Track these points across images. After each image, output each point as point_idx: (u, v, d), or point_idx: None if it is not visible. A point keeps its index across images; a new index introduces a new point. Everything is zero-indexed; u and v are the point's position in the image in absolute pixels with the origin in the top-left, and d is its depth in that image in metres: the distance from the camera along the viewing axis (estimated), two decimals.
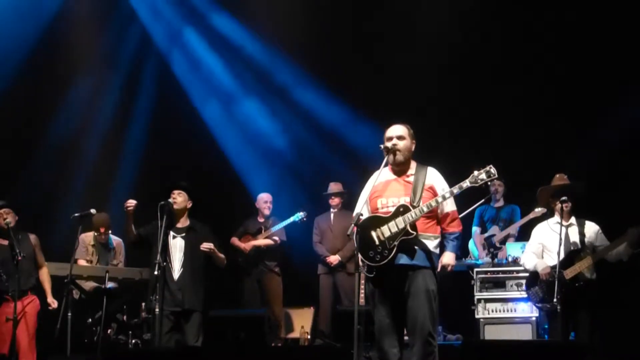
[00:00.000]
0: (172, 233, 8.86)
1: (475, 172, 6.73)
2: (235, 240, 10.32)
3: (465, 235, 9.41)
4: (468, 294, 8.90)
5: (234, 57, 12.69)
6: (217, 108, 12.63)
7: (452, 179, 6.90)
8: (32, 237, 8.85)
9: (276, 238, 10.29)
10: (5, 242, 8.57)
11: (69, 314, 8.60)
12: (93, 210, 9.05)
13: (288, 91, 12.35)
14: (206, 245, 8.67)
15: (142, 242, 8.79)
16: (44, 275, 8.88)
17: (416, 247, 6.67)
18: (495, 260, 9.36)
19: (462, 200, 7.39)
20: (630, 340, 8.47)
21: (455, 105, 10.84)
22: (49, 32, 11.87)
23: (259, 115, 12.49)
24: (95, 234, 9.77)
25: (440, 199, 6.69)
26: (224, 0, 12.58)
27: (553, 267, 7.92)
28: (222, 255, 8.86)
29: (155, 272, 8.37)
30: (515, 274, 8.84)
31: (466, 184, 6.72)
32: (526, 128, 10.58)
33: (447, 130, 10.37)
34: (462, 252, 8.84)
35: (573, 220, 8.13)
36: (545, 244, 8.14)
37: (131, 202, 8.60)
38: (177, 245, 8.78)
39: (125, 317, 9.37)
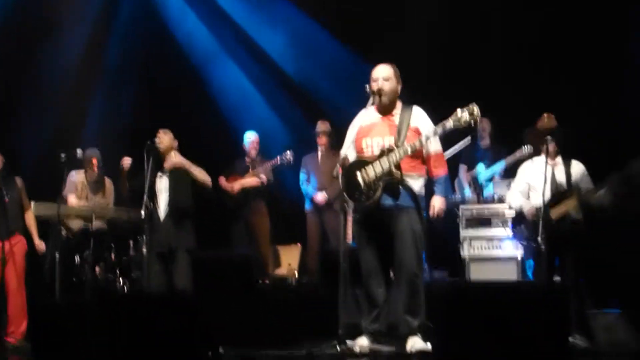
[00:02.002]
0: (159, 174, 8.79)
1: (459, 111, 6.66)
2: (222, 181, 10.28)
3: (454, 173, 9.45)
4: (454, 231, 8.89)
5: None
6: (202, 46, 12.45)
7: (438, 118, 6.84)
8: (18, 180, 8.81)
9: (263, 177, 10.24)
10: None
11: (57, 254, 8.59)
12: (79, 151, 8.97)
13: (275, 28, 12.23)
14: (175, 160, 8.70)
15: (135, 196, 8.76)
16: (30, 218, 8.87)
17: (401, 188, 6.68)
18: (482, 196, 9.43)
19: (449, 139, 7.35)
20: (615, 282, 8.42)
21: (445, 42, 10.63)
22: None
23: (245, 55, 12.33)
24: (87, 171, 9.65)
25: (424, 140, 6.66)
26: None
27: (539, 207, 7.90)
28: (198, 169, 8.85)
29: (142, 213, 8.36)
30: (501, 212, 8.81)
31: (449, 123, 6.67)
32: (515, 65, 10.47)
33: (435, 68, 10.16)
34: (450, 189, 9.01)
35: (559, 159, 8.09)
36: (531, 183, 8.12)
37: (127, 160, 8.56)
38: (163, 185, 8.72)
39: (113, 256, 9.31)
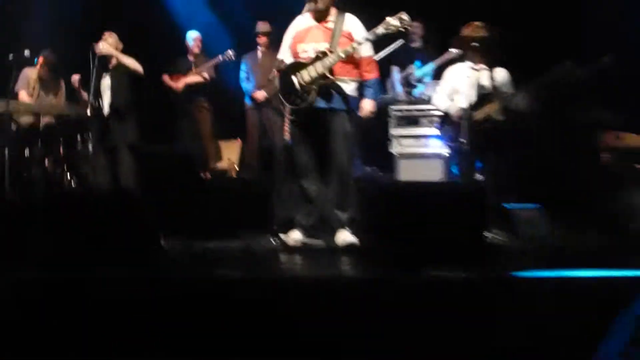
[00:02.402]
0: (103, 74, 8.90)
1: (388, 18, 6.78)
2: (166, 79, 10.28)
3: (386, 74, 9.55)
4: (384, 129, 8.95)
5: None
6: None
7: (374, 19, 6.90)
8: None
9: (206, 75, 10.25)
10: None
11: (6, 149, 8.65)
12: (26, 51, 9.01)
13: None
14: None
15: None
16: None
17: (333, 91, 6.81)
18: (412, 97, 9.48)
19: (381, 41, 7.46)
20: (535, 179, 8.67)
21: None
22: None
23: None
24: (40, 70, 9.58)
25: (355, 45, 6.76)
26: None
27: (463, 109, 8.04)
28: (129, 59, 8.91)
29: (88, 111, 8.48)
30: (428, 112, 8.88)
31: (380, 30, 6.77)
32: None
33: None
34: (381, 90, 8.93)
35: (484, 65, 8.16)
36: (457, 86, 8.21)
37: (75, 77, 8.69)
38: (106, 84, 8.84)
39: (62, 152, 9.37)
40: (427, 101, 9.03)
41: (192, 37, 10.51)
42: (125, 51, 9.16)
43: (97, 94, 8.65)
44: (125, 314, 4.22)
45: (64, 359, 4.12)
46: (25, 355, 4.14)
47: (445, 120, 8.29)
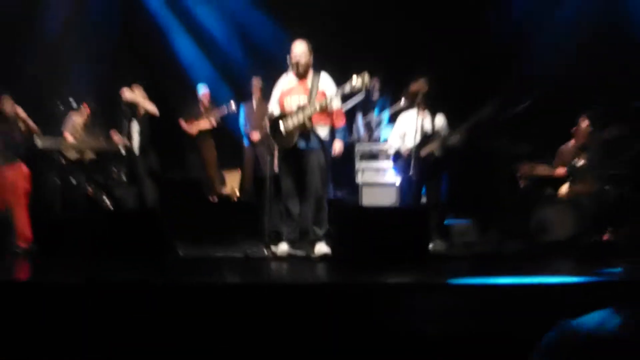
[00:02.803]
0: (133, 119, 8.90)
1: (354, 78, 6.84)
2: (182, 123, 10.24)
3: (351, 120, 9.53)
4: (351, 163, 8.90)
5: None
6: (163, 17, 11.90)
7: (342, 77, 7.01)
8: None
9: (214, 122, 10.24)
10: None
11: (58, 180, 8.64)
12: (74, 104, 9.00)
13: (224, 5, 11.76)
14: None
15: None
16: None
17: (311, 135, 6.86)
18: (372, 139, 9.42)
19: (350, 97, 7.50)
20: (466, 201, 8.71)
21: (345, 16, 10.47)
22: None
23: (196, 25, 11.94)
24: (83, 115, 9.51)
25: (328, 100, 6.85)
26: None
27: (411, 147, 8.02)
28: (149, 104, 8.89)
29: (121, 150, 8.49)
30: (385, 150, 8.77)
31: (347, 88, 6.87)
32: (400, 40, 10.22)
33: (339, 37, 10.00)
34: (348, 134, 8.92)
35: (427, 112, 8.17)
36: (406, 129, 8.18)
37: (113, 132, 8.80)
38: (135, 129, 8.82)
39: (100, 180, 9.33)
40: (384, 141, 9.00)
41: (202, 92, 10.48)
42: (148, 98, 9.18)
43: (128, 136, 8.62)
44: (149, 305, 4.18)
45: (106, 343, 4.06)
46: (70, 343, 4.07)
47: (398, 156, 8.26)
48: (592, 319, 1.03)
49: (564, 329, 1.03)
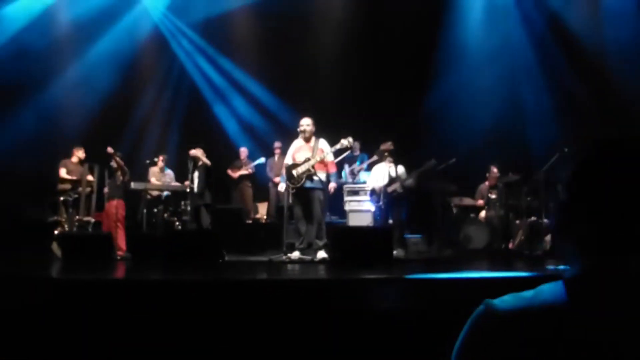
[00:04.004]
0: (195, 169, 8.92)
1: (342, 140, 6.96)
2: (229, 171, 10.29)
3: (340, 168, 9.52)
4: (342, 197, 8.81)
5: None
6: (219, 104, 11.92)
7: (334, 139, 7.06)
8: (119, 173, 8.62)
9: (250, 170, 10.29)
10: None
11: (145, 209, 8.66)
12: (155, 159, 9.10)
13: (253, 93, 11.72)
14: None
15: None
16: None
17: (314, 178, 6.84)
18: (355, 181, 9.37)
19: (338, 151, 7.49)
20: (417, 222, 8.66)
21: (338, 101, 10.37)
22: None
23: (239, 106, 11.91)
24: (158, 166, 9.57)
25: (325, 155, 6.89)
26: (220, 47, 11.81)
27: (381, 186, 8.07)
28: (206, 160, 8.82)
29: (188, 190, 8.51)
30: (364, 188, 8.66)
31: (337, 147, 6.97)
32: (373, 116, 10.30)
33: (330, 114, 9.78)
34: (339, 177, 8.86)
35: (392, 164, 8.19)
36: (379, 175, 8.23)
37: (187, 183, 8.83)
38: (196, 175, 8.85)
39: (173, 209, 9.34)
40: (363, 183, 8.99)
41: (242, 151, 10.54)
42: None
43: (192, 180, 8.63)
44: (209, 294, 4.15)
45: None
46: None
47: (373, 192, 8.26)
48: (512, 296, 0.96)
49: (488, 307, 0.96)
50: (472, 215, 8.98)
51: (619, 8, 9.74)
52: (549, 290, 0.94)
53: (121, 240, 8.15)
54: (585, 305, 0.90)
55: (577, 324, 0.88)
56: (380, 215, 8.13)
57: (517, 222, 8.39)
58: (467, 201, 9.10)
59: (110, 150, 8.29)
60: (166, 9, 11.70)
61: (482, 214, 8.93)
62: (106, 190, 8.50)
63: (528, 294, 0.94)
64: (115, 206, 8.30)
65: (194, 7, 11.58)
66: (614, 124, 8.95)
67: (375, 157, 9.11)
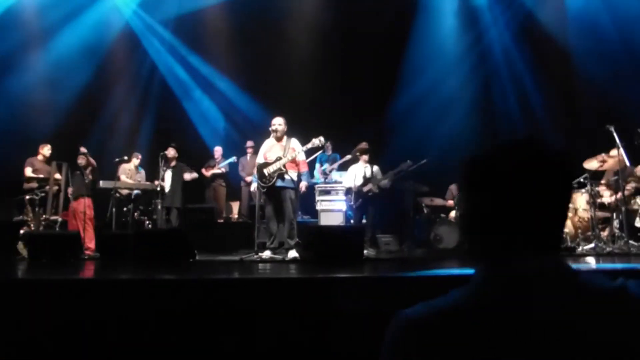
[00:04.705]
0: (165, 168, 8.87)
1: (314, 140, 6.96)
2: (203, 170, 10.21)
3: (312, 167, 9.55)
4: (313, 196, 8.83)
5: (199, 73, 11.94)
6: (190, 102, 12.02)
7: (305, 139, 7.06)
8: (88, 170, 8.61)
9: (223, 169, 10.24)
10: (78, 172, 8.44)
11: (114, 208, 8.54)
12: (126, 157, 8.97)
13: (225, 92, 11.75)
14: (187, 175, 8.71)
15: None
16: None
17: (285, 177, 6.84)
18: (326, 180, 9.41)
19: (310, 151, 7.51)
20: (390, 222, 8.72)
21: (309, 99, 10.52)
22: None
23: (210, 105, 11.98)
24: (133, 164, 9.45)
25: (296, 154, 6.89)
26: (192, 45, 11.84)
27: (357, 186, 8.15)
28: (193, 175, 8.81)
29: (157, 188, 8.43)
30: (336, 188, 8.70)
31: (308, 146, 6.96)
32: (345, 116, 10.37)
33: (304, 113, 9.91)
34: (310, 177, 8.88)
35: (368, 164, 8.29)
36: (354, 174, 8.31)
37: (156, 182, 8.57)
38: (168, 175, 8.79)
39: (143, 209, 9.27)
40: (334, 182, 9.01)
41: (216, 149, 10.51)
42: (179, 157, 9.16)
43: (162, 179, 8.57)
44: (180, 293, 4.11)
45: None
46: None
47: (349, 191, 8.33)
48: (423, 304, 0.99)
49: (400, 316, 0.99)
50: (442, 215, 9.08)
51: (585, 9, 9.94)
52: (457, 294, 0.98)
53: (89, 240, 8.02)
54: (487, 304, 0.94)
55: (481, 323, 0.92)
56: (355, 214, 8.15)
57: None
58: (438, 201, 9.20)
59: (83, 149, 8.20)
60: (137, 6, 11.54)
61: (453, 214, 9.03)
62: (70, 189, 8.36)
63: (438, 300, 0.98)
64: (84, 204, 8.17)
65: (165, 3, 11.46)
66: (574, 126, 9.15)
67: (347, 157, 9.16)
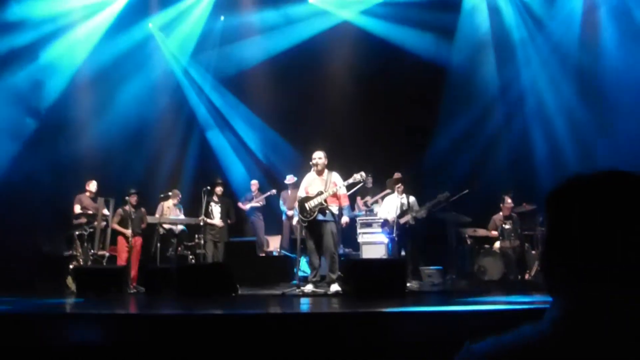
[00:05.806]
0: (212, 203, 9.01)
1: (355, 175, 6.95)
2: (239, 204, 10.27)
3: (353, 201, 9.48)
4: (355, 229, 8.73)
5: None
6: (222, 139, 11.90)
7: (347, 174, 7.05)
8: (143, 210, 8.86)
9: (261, 202, 10.29)
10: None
11: (158, 243, 8.68)
12: (170, 193, 9.13)
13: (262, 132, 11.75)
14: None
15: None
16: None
17: (327, 211, 6.83)
18: (367, 213, 9.32)
19: (351, 185, 7.47)
20: (432, 254, 8.58)
21: (345, 138, 10.37)
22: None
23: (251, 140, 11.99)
24: (172, 201, 9.55)
25: (337, 189, 6.88)
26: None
27: (394, 218, 8.05)
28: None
29: (201, 223, 8.55)
30: (376, 220, 8.61)
31: (350, 181, 6.94)
32: (384, 152, 10.26)
33: (343, 150, 9.69)
34: (351, 210, 8.77)
35: (404, 195, 8.21)
36: (391, 206, 8.25)
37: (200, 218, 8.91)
38: (216, 209, 8.91)
39: (187, 244, 9.34)
40: (375, 215, 8.96)
41: (253, 183, 10.52)
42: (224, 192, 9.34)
43: (207, 215, 8.72)
44: (218, 330, 4.11)
45: None
46: None
47: (386, 223, 8.26)
48: (493, 339, 0.94)
49: (467, 351, 0.94)
50: (486, 246, 8.90)
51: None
52: (529, 330, 0.92)
53: (134, 275, 8.20)
54: (565, 341, 0.88)
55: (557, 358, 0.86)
56: (394, 247, 8.06)
57: (533, 252, 8.28)
58: (481, 232, 9.02)
59: (133, 190, 8.47)
60: (187, 63, 11.75)
61: (497, 244, 8.84)
62: (129, 231, 8.51)
63: (509, 336, 0.93)
64: (135, 243, 8.44)
65: (214, 64, 11.70)
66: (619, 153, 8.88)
67: (387, 190, 9.11)
